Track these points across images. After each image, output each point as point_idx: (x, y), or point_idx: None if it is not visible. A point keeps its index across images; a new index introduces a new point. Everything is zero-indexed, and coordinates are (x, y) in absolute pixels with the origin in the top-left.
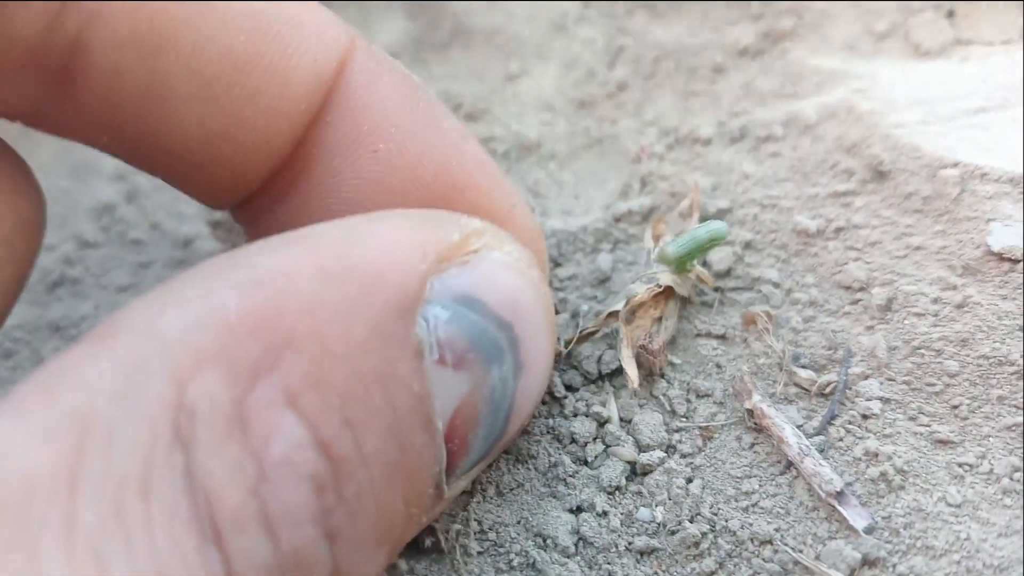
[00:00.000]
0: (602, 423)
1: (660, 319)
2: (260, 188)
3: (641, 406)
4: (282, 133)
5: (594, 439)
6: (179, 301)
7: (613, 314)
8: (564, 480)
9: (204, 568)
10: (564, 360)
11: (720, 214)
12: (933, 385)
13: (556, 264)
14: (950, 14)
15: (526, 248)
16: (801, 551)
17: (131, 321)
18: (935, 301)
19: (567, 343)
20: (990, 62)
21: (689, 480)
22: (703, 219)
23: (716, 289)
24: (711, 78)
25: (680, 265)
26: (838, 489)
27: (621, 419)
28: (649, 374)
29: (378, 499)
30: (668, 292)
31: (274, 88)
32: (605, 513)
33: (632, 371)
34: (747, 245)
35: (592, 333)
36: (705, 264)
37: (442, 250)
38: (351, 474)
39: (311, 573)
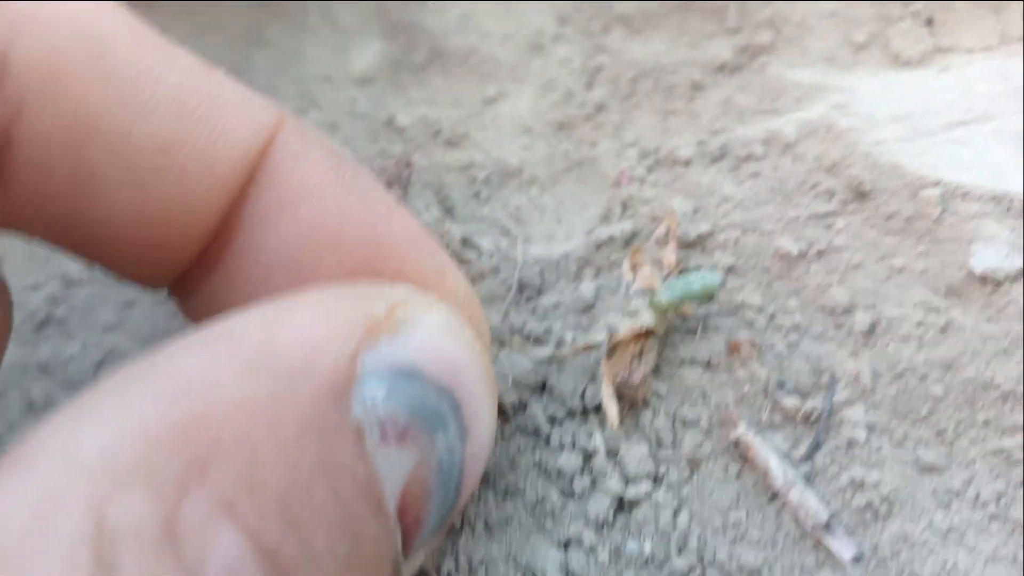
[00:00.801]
0: (588, 456)
1: (641, 354)
2: (191, 264)
3: (627, 437)
4: (210, 211)
5: (581, 472)
6: (95, 417)
7: (590, 346)
8: (552, 515)
9: None
10: (546, 393)
11: (701, 239)
12: (918, 410)
13: (539, 292)
14: (929, 22)
15: (455, 310)
16: None
17: (45, 444)
18: (919, 325)
19: (544, 361)
20: (970, 71)
21: (676, 512)
22: (682, 245)
23: (698, 318)
24: (689, 96)
25: (665, 309)
26: (824, 521)
27: (608, 451)
28: (632, 406)
29: None
30: (649, 331)
31: (201, 169)
32: (593, 548)
33: (612, 411)
34: (729, 270)
35: (561, 360)
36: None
37: (370, 324)
38: (299, 574)
39: None
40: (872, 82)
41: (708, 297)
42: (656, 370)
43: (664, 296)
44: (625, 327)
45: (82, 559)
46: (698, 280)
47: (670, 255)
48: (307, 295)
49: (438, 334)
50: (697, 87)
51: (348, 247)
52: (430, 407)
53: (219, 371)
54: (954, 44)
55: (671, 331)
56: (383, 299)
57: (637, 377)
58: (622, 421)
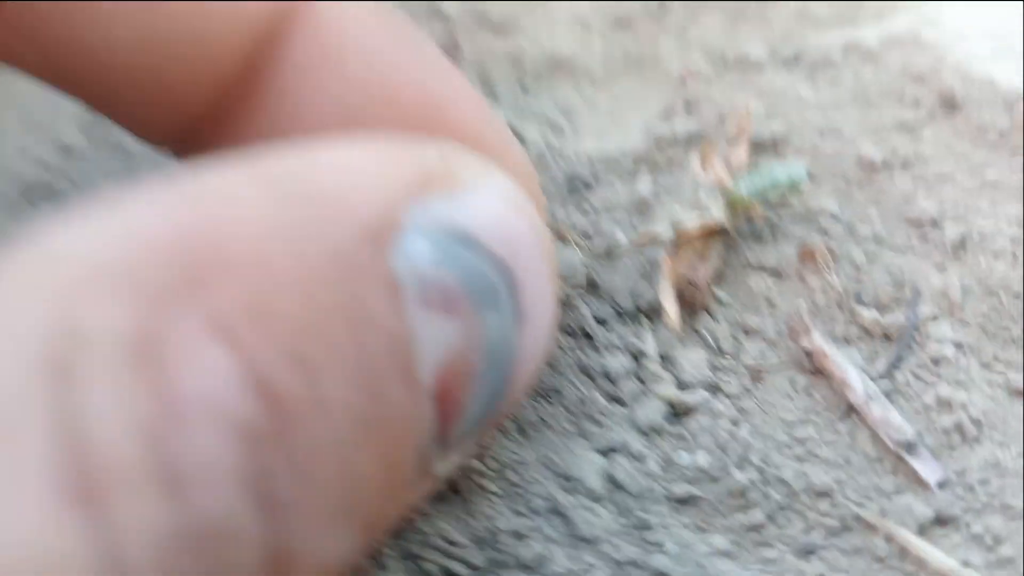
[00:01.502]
0: (639, 359)
1: (705, 253)
2: (206, 118)
3: (683, 342)
4: (226, 46)
5: (628, 375)
6: (83, 220)
7: (652, 237)
8: (594, 418)
9: (76, 541)
10: (595, 292)
11: (775, 141)
12: (1009, 330)
13: (589, 188)
14: None
15: (520, 183)
16: (864, 505)
17: (29, 241)
18: (1013, 240)
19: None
20: None
21: (735, 423)
22: (753, 146)
23: (768, 221)
24: (761, 2)
25: (744, 204)
26: (909, 439)
27: (660, 355)
28: (692, 311)
29: (343, 460)
30: (719, 227)
31: None
32: (641, 456)
33: (672, 307)
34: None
35: (614, 255)
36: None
37: (424, 174)
38: (303, 424)
39: (237, 552)
40: (959, 3)
41: (794, 191)
42: (719, 274)
43: (745, 186)
44: (693, 220)
45: (38, 359)
46: (783, 171)
47: (741, 154)
48: (354, 136)
49: (502, 203)
50: None
51: (401, 108)
52: (484, 280)
53: (241, 189)
54: None
55: (735, 233)
56: (443, 153)
57: (700, 276)
58: (681, 325)
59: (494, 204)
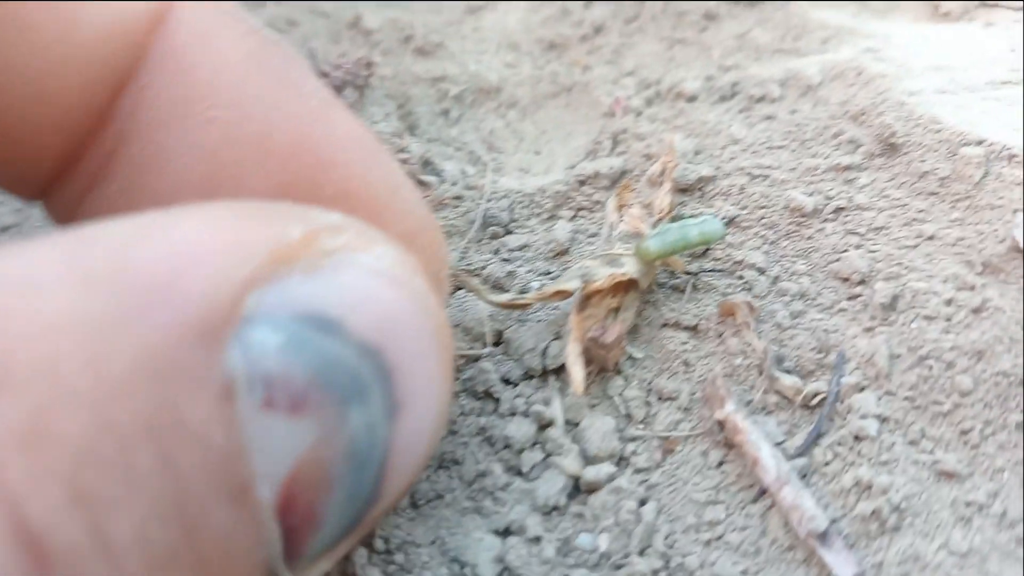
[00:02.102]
0: (544, 426)
1: (617, 310)
2: (68, 174)
3: (592, 407)
4: (74, 99)
5: (532, 445)
6: None
7: (561, 292)
8: (493, 494)
9: None
10: (502, 347)
11: (701, 183)
12: (940, 404)
13: (506, 231)
14: None
15: (408, 250)
16: None
17: None
18: (948, 303)
19: (500, 306)
20: (1019, 29)
21: (642, 502)
22: (678, 188)
23: (688, 273)
24: (701, 25)
25: (652, 260)
26: (821, 529)
27: (567, 421)
28: (601, 370)
29: None
30: (631, 282)
31: (55, 43)
32: (538, 538)
33: (577, 374)
34: (730, 222)
35: (525, 306)
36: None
37: (277, 251)
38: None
39: None
40: (907, 31)
41: (706, 248)
42: (633, 331)
43: (654, 243)
44: (603, 275)
45: None
46: (696, 227)
47: (664, 198)
48: (201, 206)
49: (373, 277)
50: (711, 16)
51: (277, 157)
52: (345, 371)
53: (44, 276)
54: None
55: (654, 286)
56: (302, 222)
57: (610, 336)
58: (588, 388)
59: (365, 281)
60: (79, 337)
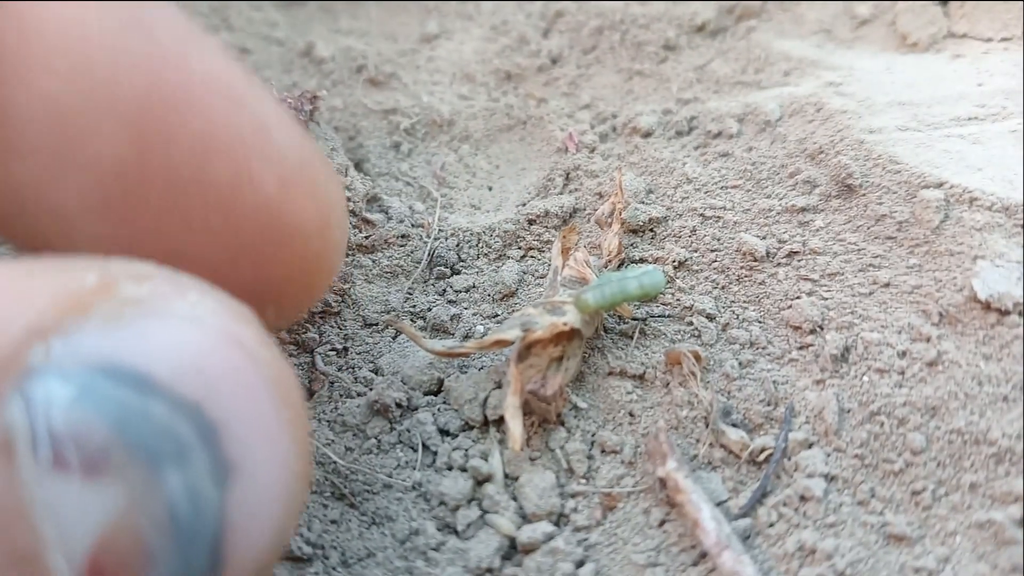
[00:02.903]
0: (481, 481)
1: (560, 359)
2: None
3: (532, 460)
4: None
5: (469, 502)
6: None
7: (502, 342)
8: (425, 553)
9: None
10: (441, 397)
11: (651, 224)
12: (892, 462)
13: (453, 272)
14: (944, 3)
15: (231, 298)
16: None
17: None
18: (902, 355)
19: (439, 354)
20: (987, 62)
21: (580, 564)
22: (628, 229)
23: (636, 319)
24: (660, 56)
25: (601, 308)
26: None
27: (506, 475)
28: (543, 423)
29: None
30: (574, 331)
31: None
32: None
33: (515, 429)
34: (680, 265)
35: (465, 354)
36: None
37: (67, 297)
38: None
39: None
40: (872, 62)
41: (647, 300)
42: (579, 379)
43: (592, 295)
44: (545, 324)
45: None
46: (635, 279)
47: (613, 240)
48: None
49: (189, 325)
50: (670, 47)
51: (123, 105)
52: (154, 427)
53: None
54: (970, 31)
55: (601, 332)
56: (100, 268)
57: (551, 389)
58: (527, 443)
59: (178, 330)
60: None
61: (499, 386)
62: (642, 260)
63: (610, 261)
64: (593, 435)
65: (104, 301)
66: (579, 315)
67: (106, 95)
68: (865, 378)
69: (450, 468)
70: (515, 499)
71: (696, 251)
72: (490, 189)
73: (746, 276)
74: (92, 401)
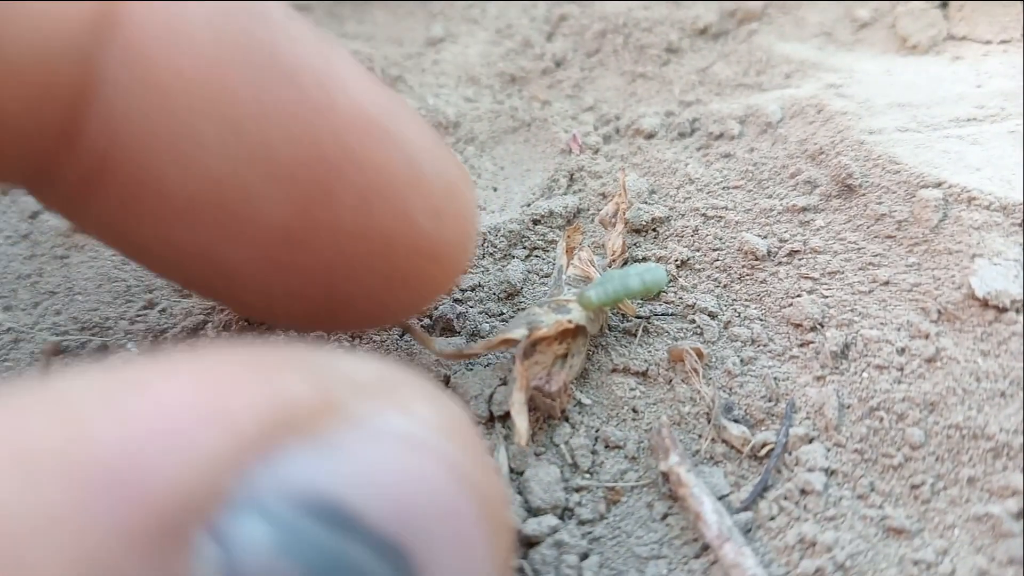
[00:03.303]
0: None
1: (565, 356)
2: (48, 179)
3: (538, 455)
4: (11, 110)
5: None
6: None
7: (508, 341)
8: None
9: None
10: (448, 392)
11: (654, 224)
12: (891, 457)
13: None
14: (943, 5)
15: (452, 402)
16: None
17: None
18: (901, 352)
19: (447, 357)
20: (986, 64)
21: (584, 556)
22: (632, 229)
23: (640, 317)
24: (663, 59)
25: (605, 305)
26: None
27: (511, 470)
28: (548, 418)
29: None
30: (579, 328)
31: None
32: None
33: (521, 424)
34: (683, 264)
35: (472, 355)
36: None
37: (274, 416)
38: None
39: None
40: (872, 64)
41: (649, 297)
42: (583, 375)
43: (595, 293)
44: (550, 322)
45: None
46: (638, 275)
47: (616, 239)
48: (189, 359)
49: (405, 450)
50: (672, 50)
51: (269, 157)
52: (355, 572)
53: None
54: (969, 33)
55: (606, 329)
56: (315, 377)
57: (555, 385)
58: (533, 437)
59: (392, 454)
60: (15, 544)
61: (504, 383)
62: (645, 259)
63: (614, 260)
64: (597, 431)
65: (315, 413)
66: (584, 313)
67: (262, 158)
68: (865, 374)
69: None
70: (520, 493)
71: (698, 250)
72: (495, 190)
73: (748, 275)
74: (295, 546)
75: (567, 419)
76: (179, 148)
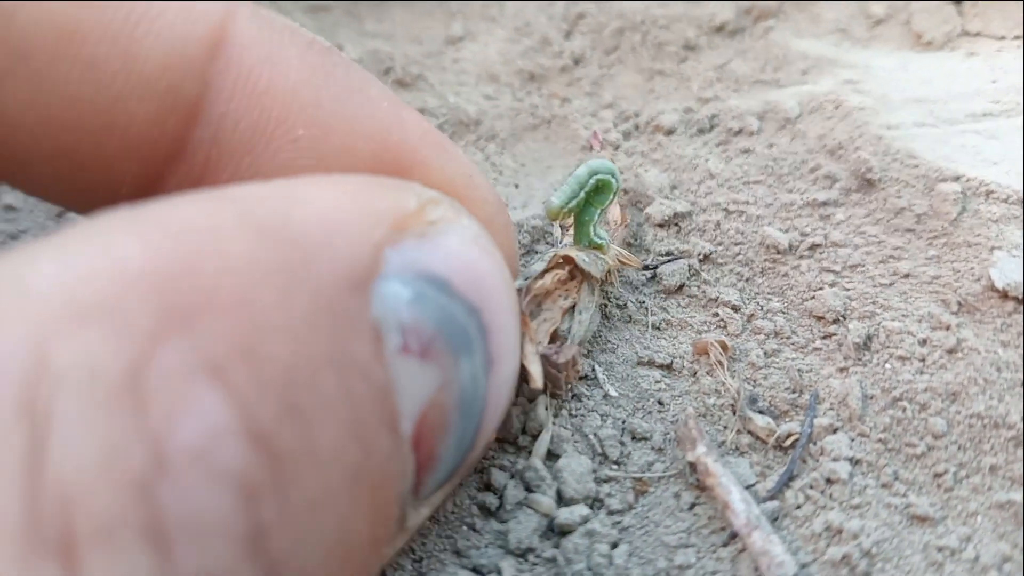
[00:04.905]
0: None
1: (573, 309)
2: (145, 193)
3: (575, 443)
4: (138, 117)
5: (511, 477)
6: (60, 251)
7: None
8: (464, 534)
9: None
10: None
11: (676, 219)
12: (914, 446)
13: None
14: (958, 2)
15: (485, 225)
16: None
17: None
18: (923, 343)
19: None
20: (1001, 59)
21: (614, 545)
22: (654, 224)
23: (647, 267)
24: (680, 56)
25: (583, 233)
26: (791, 575)
27: (550, 452)
28: (555, 394)
29: (339, 516)
30: (578, 272)
31: (116, 61)
32: None
33: (536, 369)
34: (705, 258)
35: None
36: (632, 245)
37: (399, 217)
38: (300, 476)
39: None
40: (888, 60)
41: (605, 184)
42: (608, 368)
43: (555, 196)
44: (546, 258)
45: (10, 402)
46: (583, 165)
47: (614, 209)
48: (330, 176)
49: (470, 245)
50: (690, 47)
51: (361, 165)
52: (458, 325)
53: (222, 225)
54: (983, 29)
55: (615, 278)
56: (414, 194)
57: (564, 356)
58: (545, 390)
59: (465, 248)
60: (265, 278)
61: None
62: (668, 253)
63: (616, 228)
64: (624, 422)
65: (420, 220)
66: (574, 249)
67: (342, 158)
68: (887, 365)
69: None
70: (555, 480)
71: (720, 244)
72: (516, 187)
73: (770, 268)
74: (422, 301)
75: (573, 394)
76: (272, 147)
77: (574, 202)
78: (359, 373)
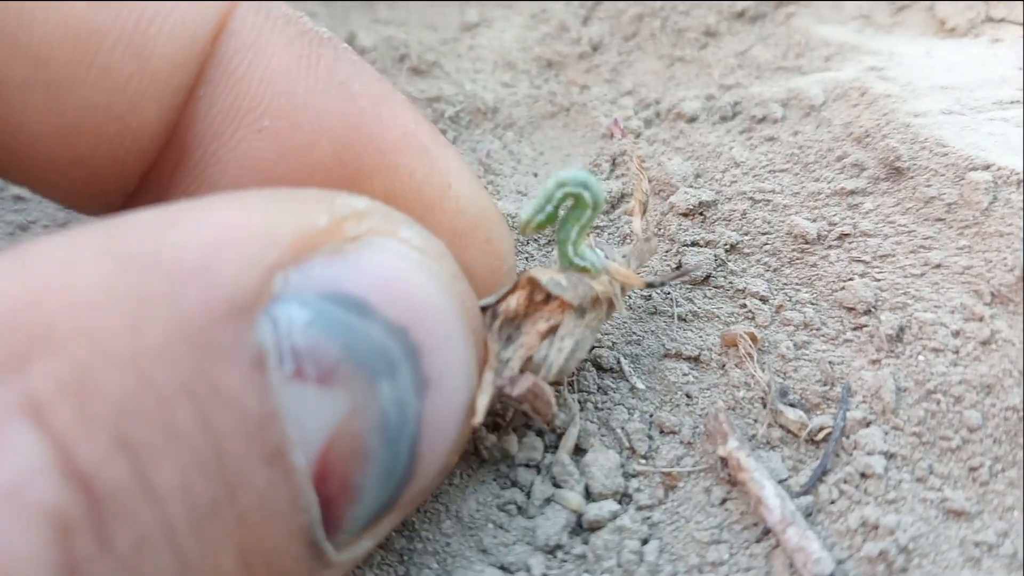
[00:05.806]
0: (544, 469)
1: (553, 333)
2: (139, 190)
3: (601, 438)
4: (150, 118)
5: (538, 473)
6: None
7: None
8: (490, 532)
9: None
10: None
11: (701, 208)
12: (949, 439)
13: None
14: None
15: (435, 235)
16: None
17: None
18: (956, 334)
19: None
20: None
21: (644, 541)
22: (679, 214)
23: (650, 286)
24: (701, 42)
25: (563, 254)
26: (827, 572)
27: (577, 447)
28: (527, 426)
29: (184, 554)
30: (560, 302)
31: (131, 63)
32: None
33: (481, 401)
34: (732, 248)
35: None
36: (659, 235)
37: (302, 236)
38: (127, 514)
39: None
40: (911, 47)
41: (577, 196)
42: (635, 360)
43: (523, 211)
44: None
45: None
46: (552, 178)
47: (643, 182)
48: (231, 196)
49: (397, 260)
50: (711, 33)
51: (323, 165)
52: (372, 346)
53: (79, 256)
54: (1008, 15)
55: (621, 308)
56: (328, 210)
57: (519, 388)
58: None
59: (391, 263)
60: (115, 309)
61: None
62: (694, 243)
63: (638, 242)
64: (651, 416)
65: (332, 238)
66: (547, 271)
67: (304, 156)
68: (920, 357)
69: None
70: (583, 476)
71: (747, 234)
72: (536, 175)
73: (798, 258)
74: (324, 323)
75: (553, 430)
76: (237, 136)
77: (542, 216)
78: (225, 403)
